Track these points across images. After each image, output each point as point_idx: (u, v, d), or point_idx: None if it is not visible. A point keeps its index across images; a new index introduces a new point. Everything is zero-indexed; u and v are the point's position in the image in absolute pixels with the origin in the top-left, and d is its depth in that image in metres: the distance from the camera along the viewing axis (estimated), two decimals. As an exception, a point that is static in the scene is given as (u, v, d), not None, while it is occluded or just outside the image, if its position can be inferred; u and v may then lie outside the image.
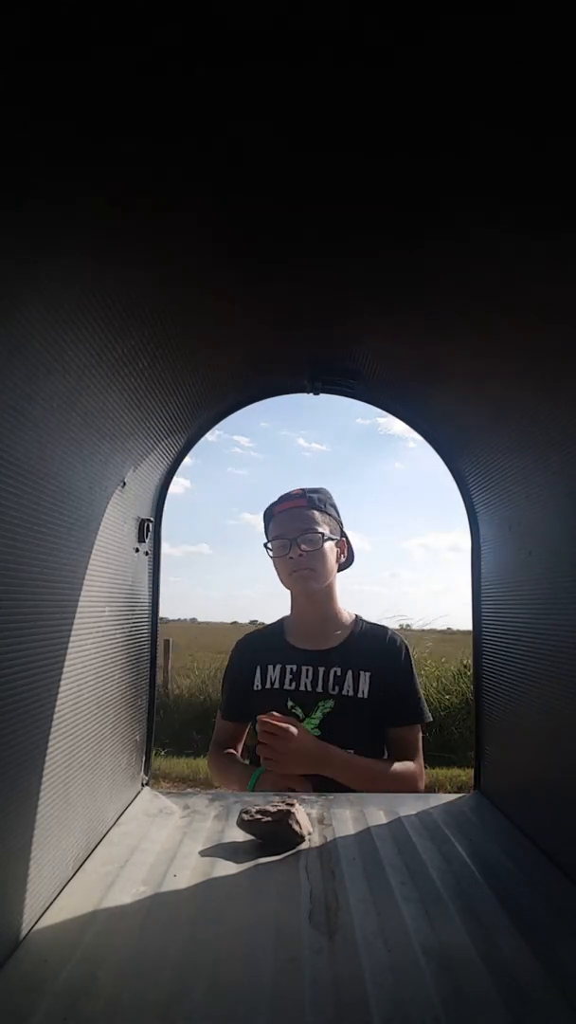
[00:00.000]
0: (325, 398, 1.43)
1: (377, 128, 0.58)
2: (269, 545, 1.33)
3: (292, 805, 1.11)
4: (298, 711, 1.24)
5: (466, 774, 4.63)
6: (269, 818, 1.08)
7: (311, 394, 1.38)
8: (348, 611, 1.39)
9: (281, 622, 1.42)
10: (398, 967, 0.72)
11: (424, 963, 0.73)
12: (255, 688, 1.31)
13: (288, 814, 1.09)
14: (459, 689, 6.07)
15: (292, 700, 1.26)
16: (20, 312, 0.68)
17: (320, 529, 1.30)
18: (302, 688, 1.25)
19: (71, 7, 0.45)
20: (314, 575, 1.29)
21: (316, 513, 1.33)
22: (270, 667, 1.29)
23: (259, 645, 1.38)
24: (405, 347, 1.14)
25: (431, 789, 4.40)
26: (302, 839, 1.09)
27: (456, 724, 5.69)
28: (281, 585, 1.32)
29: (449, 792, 3.41)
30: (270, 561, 1.40)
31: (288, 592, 1.38)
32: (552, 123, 0.55)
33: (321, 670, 1.25)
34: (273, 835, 1.07)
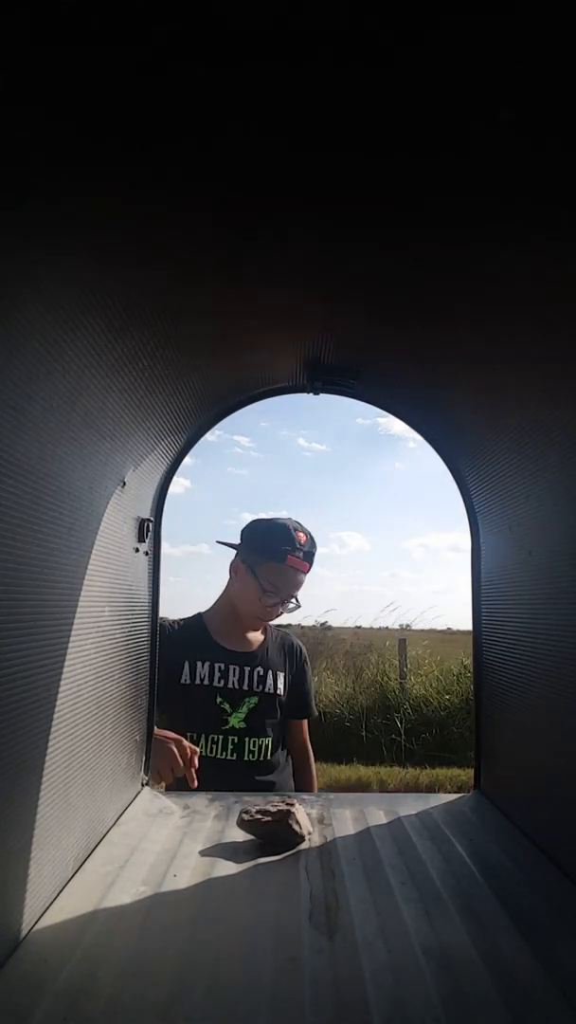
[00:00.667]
0: (325, 398, 1.43)
1: (376, 128, 0.58)
2: (264, 584, 1.45)
3: (292, 805, 1.11)
4: (226, 706, 1.39)
5: (466, 774, 4.64)
6: (269, 818, 1.08)
7: (311, 394, 1.39)
8: None
9: (200, 617, 1.54)
10: (398, 967, 0.72)
11: (424, 963, 0.73)
12: (183, 681, 1.41)
13: (288, 814, 1.09)
14: (459, 689, 6.06)
15: (220, 696, 1.40)
16: (20, 312, 0.68)
17: (299, 595, 1.49)
18: (230, 686, 1.41)
19: (71, 7, 0.45)
20: (271, 621, 1.50)
21: (304, 577, 1.50)
22: (199, 663, 1.42)
23: (185, 639, 1.48)
24: (405, 347, 1.14)
25: (431, 789, 4.40)
26: (302, 839, 1.09)
27: (456, 724, 5.69)
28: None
29: (449, 792, 3.42)
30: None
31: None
32: (552, 123, 0.55)
33: (247, 670, 1.41)
34: (273, 835, 1.07)
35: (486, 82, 0.52)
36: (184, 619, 1.57)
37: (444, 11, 0.46)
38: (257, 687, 1.40)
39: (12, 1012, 0.64)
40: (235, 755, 1.37)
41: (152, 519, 1.42)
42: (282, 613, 1.49)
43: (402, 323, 1.02)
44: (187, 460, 1.54)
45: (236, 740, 1.37)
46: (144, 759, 1.39)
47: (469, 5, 0.46)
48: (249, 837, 1.09)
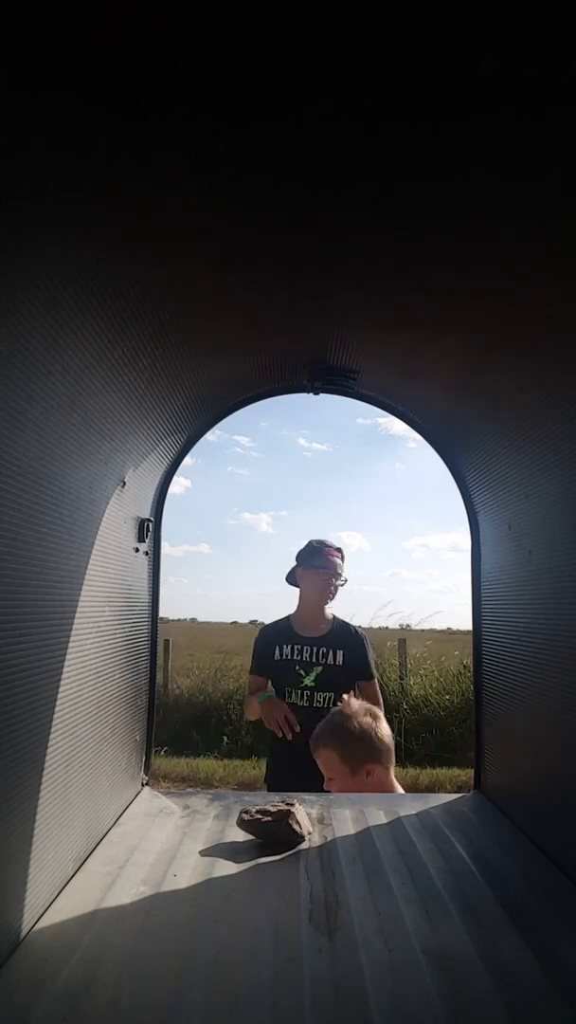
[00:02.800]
0: (325, 398, 1.44)
1: (375, 126, 0.58)
2: (318, 568, 2.21)
3: (292, 805, 1.11)
4: (302, 672, 2.13)
5: (466, 774, 4.63)
6: (269, 818, 1.08)
7: (311, 394, 1.39)
8: (329, 611, 2.26)
9: (288, 618, 2.31)
10: (398, 967, 0.72)
11: (424, 963, 0.73)
12: (276, 659, 2.19)
13: (288, 814, 1.09)
14: (459, 689, 6.05)
15: (299, 667, 2.15)
16: (20, 312, 0.68)
17: (343, 574, 2.27)
18: (305, 659, 2.16)
19: (77, 5, 0.45)
20: (333, 598, 2.26)
21: (340, 562, 2.27)
22: (285, 646, 2.20)
23: (276, 632, 2.27)
24: (405, 347, 1.14)
25: (431, 789, 4.39)
26: (302, 839, 1.09)
27: (456, 724, 5.68)
28: (279, 585, 2.33)
29: (449, 792, 3.41)
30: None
31: (293, 594, 2.31)
32: (551, 103, 0.55)
33: (315, 648, 2.18)
34: (273, 835, 1.07)
35: (484, 69, 0.52)
36: (277, 620, 2.33)
37: (448, 11, 0.46)
38: (323, 659, 2.14)
39: (12, 1012, 0.64)
40: (308, 703, 2.09)
41: (152, 519, 1.42)
42: (337, 588, 2.22)
43: (402, 323, 1.02)
44: (187, 460, 1.65)
45: (308, 693, 2.10)
46: (144, 759, 1.40)
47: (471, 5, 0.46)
48: (249, 837, 1.09)
